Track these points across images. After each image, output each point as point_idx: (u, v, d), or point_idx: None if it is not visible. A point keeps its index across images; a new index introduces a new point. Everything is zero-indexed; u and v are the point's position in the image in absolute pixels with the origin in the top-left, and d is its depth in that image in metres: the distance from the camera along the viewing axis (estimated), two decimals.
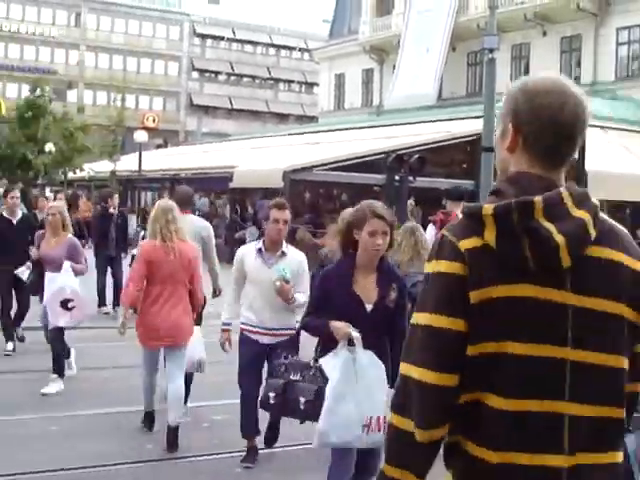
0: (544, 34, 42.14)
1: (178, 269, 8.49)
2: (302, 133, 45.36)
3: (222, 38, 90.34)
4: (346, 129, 40.12)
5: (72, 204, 13.77)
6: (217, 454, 8.36)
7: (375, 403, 5.72)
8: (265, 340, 7.84)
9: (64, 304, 10.55)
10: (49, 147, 47.86)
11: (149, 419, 9.03)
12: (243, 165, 32.45)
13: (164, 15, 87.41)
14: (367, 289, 6.07)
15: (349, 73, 55.55)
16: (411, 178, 24.42)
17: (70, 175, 49.38)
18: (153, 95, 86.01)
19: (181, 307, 8.59)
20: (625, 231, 2.74)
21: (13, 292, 13.24)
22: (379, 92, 51.93)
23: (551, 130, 2.62)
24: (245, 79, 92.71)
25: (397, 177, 24.82)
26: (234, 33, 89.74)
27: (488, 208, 2.55)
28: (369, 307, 6.04)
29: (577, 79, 37.13)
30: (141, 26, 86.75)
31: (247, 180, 31.16)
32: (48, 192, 40.43)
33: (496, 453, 2.55)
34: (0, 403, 10.12)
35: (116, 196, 19.23)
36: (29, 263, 12.42)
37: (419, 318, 2.63)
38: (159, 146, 68.64)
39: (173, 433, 8.35)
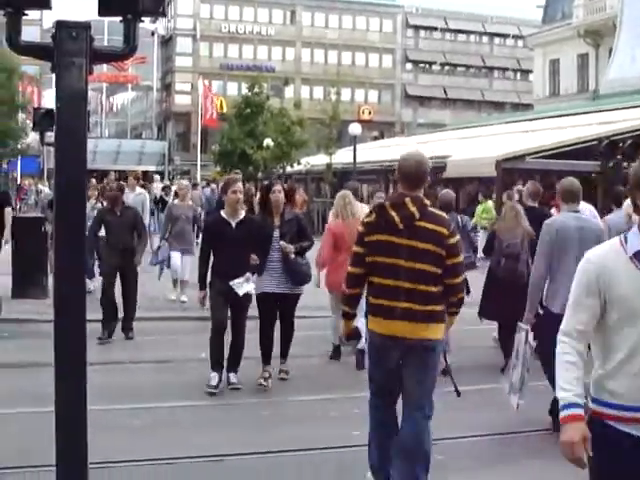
0: None
1: (353, 240, 10.52)
2: (516, 121, 45.04)
3: (435, 28, 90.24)
4: (560, 116, 39.57)
5: (291, 197, 13.21)
6: None
7: None
8: None
9: None
10: (267, 142, 49.31)
11: (338, 352, 12.40)
12: (456, 155, 32.50)
13: (377, 8, 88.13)
14: None
15: (564, 58, 54.38)
16: (625, 164, 24.12)
17: (288, 169, 50.76)
18: (368, 88, 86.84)
19: None
20: (441, 213, 6.84)
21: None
22: (595, 77, 50.64)
23: (407, 176, 6.71)
24: (459, 68, 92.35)
25: (610, 163, 24.57)
26: (446, 23, 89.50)
27: (372, 207, 7.81)
28: None
29: None
30: (355, 20, 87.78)
31: (460, 170, 31.26)
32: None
33: (374, 299, 6.75)
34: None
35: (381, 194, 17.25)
36: (248, 274, 10.59)
37: (353, 248, 7.04)
38: (375, 138, 69.44)
39: (361, 354, 10.72)
